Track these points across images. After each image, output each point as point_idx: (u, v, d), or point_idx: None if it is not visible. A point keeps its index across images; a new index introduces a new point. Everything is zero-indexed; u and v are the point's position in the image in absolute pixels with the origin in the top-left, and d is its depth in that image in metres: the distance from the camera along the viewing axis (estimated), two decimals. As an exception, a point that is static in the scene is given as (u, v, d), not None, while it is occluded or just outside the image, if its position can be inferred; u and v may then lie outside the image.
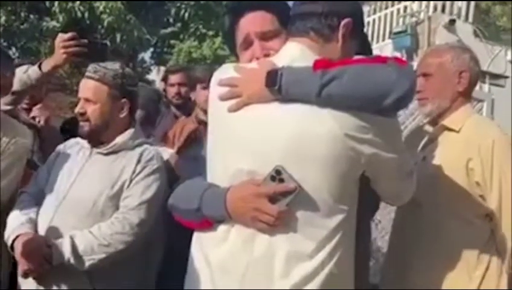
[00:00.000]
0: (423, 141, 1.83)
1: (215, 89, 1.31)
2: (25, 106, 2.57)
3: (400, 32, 8.22)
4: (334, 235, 1.23)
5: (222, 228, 1.26)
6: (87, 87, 1.87)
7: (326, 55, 1.27)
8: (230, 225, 1.26)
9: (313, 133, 1.19)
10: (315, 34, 1.29)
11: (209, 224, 1.28)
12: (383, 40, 9.23)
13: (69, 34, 1.94)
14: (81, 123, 1.86)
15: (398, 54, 8.44)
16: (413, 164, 1.40)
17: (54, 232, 1.77)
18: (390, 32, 8.80)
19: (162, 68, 12.92)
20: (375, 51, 9.36)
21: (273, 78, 1.21)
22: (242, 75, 1.28)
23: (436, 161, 1.73)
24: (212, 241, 1.28)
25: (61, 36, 1.96)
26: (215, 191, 1.27)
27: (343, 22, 1.29)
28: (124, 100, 1.88)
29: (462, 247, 1.67)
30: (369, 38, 9.54)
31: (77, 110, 1.87)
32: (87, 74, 1.89)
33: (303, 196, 1.20)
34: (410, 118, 4.86)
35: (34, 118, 2.62)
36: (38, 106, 2.63)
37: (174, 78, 3.18)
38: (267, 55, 1.36)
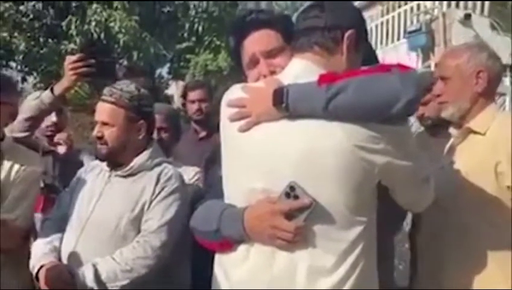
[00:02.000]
0: (448, 145, 1.79)
1: (225, 110, 1.33)
2: (48, 133, 2.63)
3: (414, 31, 8.16)
4: (354, 248, 1.24)
5: (242, 247, 1.27)
6: (103, 110, 1.88)
7: (332, 69, 1.28)
8: (249, 244, 1.27)
9: (323, 147, 1.20)
10: (319, 48, 1.30)
11: (229, 245, 1.29)
12: (398, 39, 9.16)
13: (77, 56, 1.98)
14: (99, 146, 1.88)
15: (413, 53, 8.37)
16: (429, 169, 1.39)
17: (77, 258, 1.79)
18: (404, 31, 8.74)
19: (180, 82, 13.07)
20: (390, 51, 9.34)
21: (279, 96, 1.23)
22: (249, 95, 1.30)
23: (462, 165, 1.70)
24: (233, 261, 1.29)
25: (69, 58, 1.99)
26: (232, 212, 1.29)
27: (346, 34, 1.30)
28: (141, 122, 1.89)
29: (494, 251, 1.63)
30: (384, 38, 9.49)
31: (94, 133, 1.88)
32: (103, 97, 1.90)
33: (319, 211, 1.20)
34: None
35: (56, 143, 2.68)
36: (63, 134, 2.70)
37: (193, 95, 3.20)
38: (273, 72, 1.38)
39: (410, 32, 8.31)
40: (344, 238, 1.23)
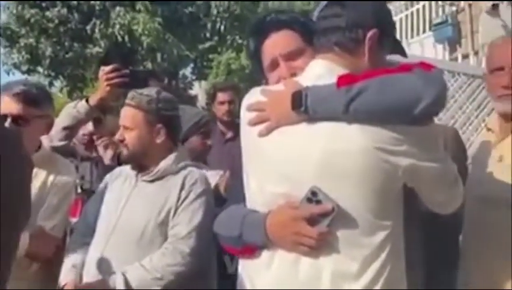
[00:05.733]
0: (494, 139, 1.69)
1: (245, 114, 1.32)
2: (85, 141, 2.74)
3: (440, 23, 7.99)
4: (379, 253, 1.21)
5: (265, 254, 1.26)
6: (125, 114, 1.92)
7: (354, 70, 1.24)
8: (273, 250, 1.25)
9: (344, 150, 1.17)
10: (340, 49, 1.27)
11: (251, 251, 1.28)
12: (423, 32, 8.99)
13: (110, 67, 2.00)
14: (121, 149, 1.92)
15: (440, 46, 8.20)
16: (457, 170, 1.34)
17: (106, 263, 1.80)
18: (430, 24, 8.57)
19: (203, 82, 13.15)
20: (416, 44, 9.15)
21: (298, 100, 1.20)
22: (268, 99, 1.27)
23: None
24: (257, 267, 1.28)
25: (103, 69, 2.02)
26: (254, 218, 1.27)
27: (368, 34, 1.26)
28: (159, 125, 1.89)
29: None
30: (409, 31, 9.33)
31: (117, 137, 1.93)
32: (126, 101, 1.93)
33: (342, 215, 1.18)
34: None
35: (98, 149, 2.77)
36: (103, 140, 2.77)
37: (223, 96, 3.19)
38: (293, 75, 1.35)
39: (436, 25, 8.15)
40: (368, 243, 1.20)
